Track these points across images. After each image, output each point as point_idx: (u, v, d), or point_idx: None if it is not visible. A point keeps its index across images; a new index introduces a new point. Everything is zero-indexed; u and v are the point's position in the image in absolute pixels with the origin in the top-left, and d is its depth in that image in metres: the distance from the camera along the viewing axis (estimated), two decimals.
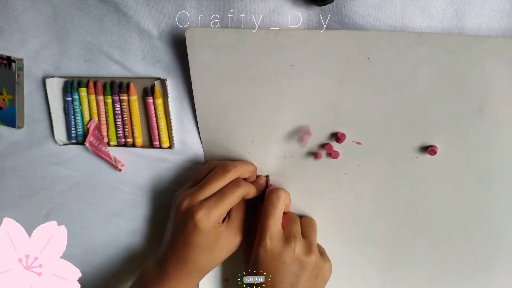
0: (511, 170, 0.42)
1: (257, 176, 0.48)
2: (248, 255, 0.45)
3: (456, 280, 0.47)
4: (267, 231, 0.42)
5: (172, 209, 0.46)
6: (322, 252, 0.46)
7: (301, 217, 0.48)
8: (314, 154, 0.45)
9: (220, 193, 0.43)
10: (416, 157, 0.43)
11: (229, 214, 0.45)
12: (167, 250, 0.44)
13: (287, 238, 0.43)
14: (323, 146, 0.45)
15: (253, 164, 0.47)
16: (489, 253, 0.45)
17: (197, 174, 0.46)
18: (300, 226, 0.46)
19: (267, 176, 0.48)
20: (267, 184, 0.48)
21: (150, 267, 0.45)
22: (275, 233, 0.42)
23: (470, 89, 0.40)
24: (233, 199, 0.43)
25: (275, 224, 0.43)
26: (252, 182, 0.47)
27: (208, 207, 0.42)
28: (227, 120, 0.46)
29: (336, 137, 0.43)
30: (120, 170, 0.51)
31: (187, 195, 0.43)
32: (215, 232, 0.43)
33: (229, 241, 0.44)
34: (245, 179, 0.46)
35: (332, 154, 0.44)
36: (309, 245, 0.43)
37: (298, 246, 0.42)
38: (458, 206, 0.44)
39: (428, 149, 0.42)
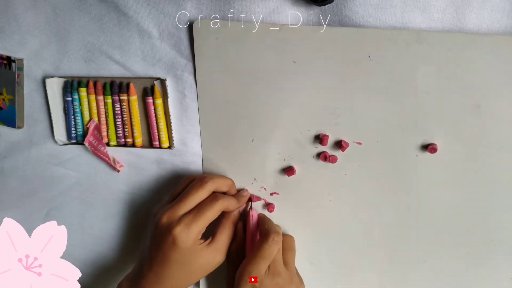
0: (509, 166, 0.42)
1: (239, 190, 0.48)
2: (231, 280, 0.45)
3: (456, 280, 0.47)
4: (257, 273, 0.42)
5: (150, 224, 0.45)
6: (297, 274, 0.47)
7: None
8: (318, 155, 0.45)
9: (198, 208, 0.43)
10: (417, 156, 0.43)
11: (214, 233, 0.45)
12: (143, 266, 0.44)
13: (272, 274, 0.43)
14: (319, 154, 0.45)
15: (230, 178, 0.47)
16: (489, 250, 0.45)
17: (175, 189, 0.46)
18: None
19: (251, 197, 0.48)
20: (249, 199, 0.48)
21: (125, 282, 0.45)
22: (263, 274, 0.43)
23: (468, 86, 0.40)
24: (212, 213, 0.43)
25: (265, 266, 0.43)
26: (234, 195, 0.47)
27: (187, 222, 0.42)
28: (229, 115, 0.46)
29: (340, 145, 0.44)
30: (118, 171, 0.51)
31: (166, 210, 0.43)
32: (194, 249, 0.42)
33: (208, 260, 0.44)
34: (224, 194, 0.46)
35: (330, 159, 0.44)
36: (291, 275, 0.45)
37: (281, 280, 0.43)
38: (458, 204, 0.44)
39: (428, 147, 0.42)
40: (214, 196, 0.44)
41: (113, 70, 0.48)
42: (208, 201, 0.43)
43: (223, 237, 0.45)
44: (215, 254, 0.44)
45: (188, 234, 0.41)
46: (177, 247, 0.41)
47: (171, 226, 0.42)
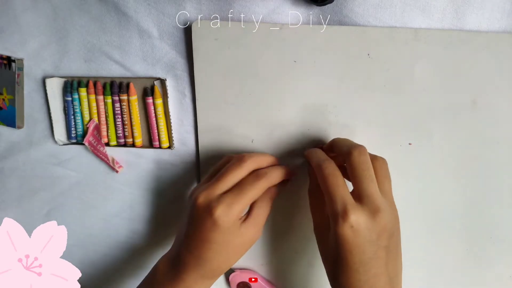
0: (504, 160, 0.43)
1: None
2: (318, 221, 0.41)
3: (455, 277, 0.47)
4: (364, 199, 0.35)
5: (187, 206, 0.43)
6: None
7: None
8: None
9: (240, 187, 0.40)
10: (414, 151, 0.44)
11: (250, 208, 0.42)
12: (181, 249, 0.41)
13: (374, 211, 0.35)
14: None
15: (271, 155, 0.44)
16: (487, 247, 0.46)
17: (213, 168, 0.44)
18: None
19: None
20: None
21: (162, 266, 0.43)
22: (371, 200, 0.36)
23: (464, 82, 0.41)
24: (254, 192, 0.40)
25: (375, 190, 0.36)
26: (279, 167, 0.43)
27: (228, 202, 0.39)
28: (228, 117, 0.46)
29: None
30: (117, 171, 0.51)
31: (204, 189, 0.40)
32: (234, 229, 0.40)
33: (246, 238, 0.41)
34: None
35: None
36: (391, 205, 0.38)
37: (385, 217, 0.35)
38: (455, 200, 0.45)
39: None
40: (256, 174, 0.41)
41: (113, 70, 0.48)
42: (251, 180, 0.40)
43: (261, 212, 0.41)
44: (253, 230, 0.41)
45: (229, 214, 0.38)
46: (218, 228, 0.39)
47: (210, 207, 0.39)
